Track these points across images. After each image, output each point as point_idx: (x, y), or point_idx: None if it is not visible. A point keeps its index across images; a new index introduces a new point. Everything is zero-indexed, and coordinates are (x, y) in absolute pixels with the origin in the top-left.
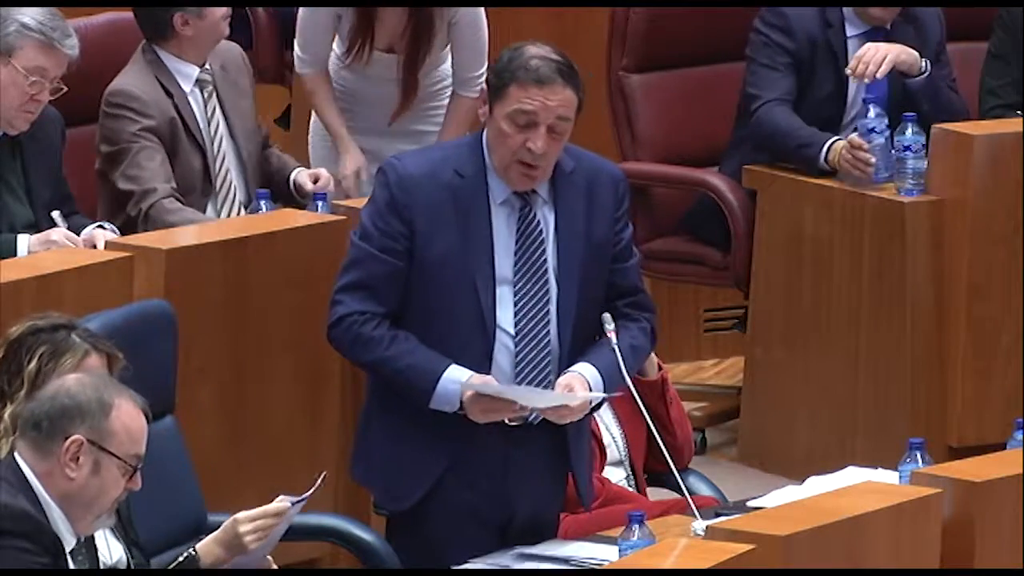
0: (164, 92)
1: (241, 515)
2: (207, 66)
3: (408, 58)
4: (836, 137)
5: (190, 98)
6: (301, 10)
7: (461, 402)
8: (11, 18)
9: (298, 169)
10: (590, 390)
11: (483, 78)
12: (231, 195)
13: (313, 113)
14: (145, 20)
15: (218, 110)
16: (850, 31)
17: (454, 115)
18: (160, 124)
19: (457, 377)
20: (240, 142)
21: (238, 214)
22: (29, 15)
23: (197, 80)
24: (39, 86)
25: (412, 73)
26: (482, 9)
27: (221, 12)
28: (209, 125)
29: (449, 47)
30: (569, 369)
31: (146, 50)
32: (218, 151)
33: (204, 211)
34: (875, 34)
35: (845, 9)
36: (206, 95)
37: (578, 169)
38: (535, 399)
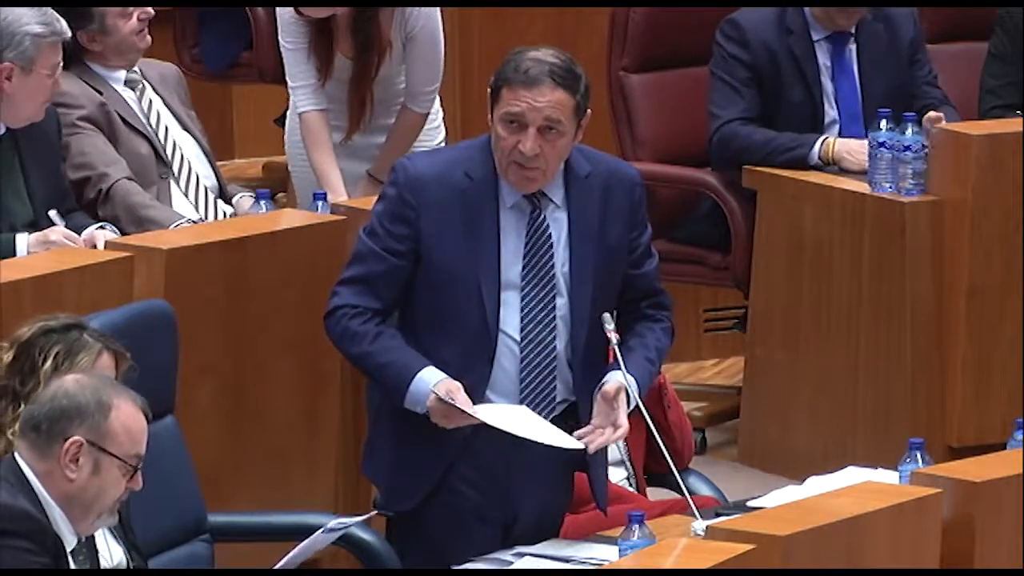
0: (92, 90)
1: None
2: (136, 70)
3: (356, 74)
4: (825, 136)
5: (121, 94)
6: (285, 55)
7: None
8: (19, 32)
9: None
10: (628, 398)
11: (434, 94)
12: (194, 179)
13: (289, 129)
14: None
15: (157, 102)
16: (815, 35)
17: (399, 128)
18: (92, 112)
19: (429, 379)
20: (196, 136)
21: (205, 198)
22: (32, 22)
23: (126, 81)
24: (53, 78)
25: (359, 91)
26: (440, 24)
27: (130, 26)
28: (148, 116)
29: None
30: (608, 379)
31: (73, 64)
32: (166, 139)
33: (169, 193)
34: (841, 37)
35: (807, 13)
36: (138, 92)
37: (594, 173)
38: (495, 418)
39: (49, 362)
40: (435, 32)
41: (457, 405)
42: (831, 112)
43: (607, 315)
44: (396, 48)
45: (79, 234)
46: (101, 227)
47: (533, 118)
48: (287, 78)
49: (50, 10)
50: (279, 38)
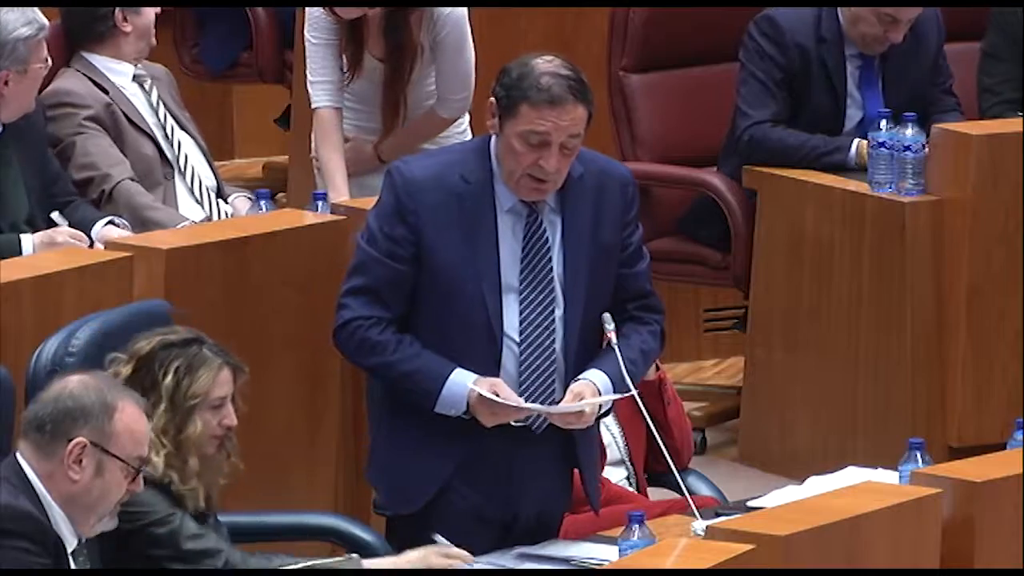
0: (98, 88)
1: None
2: (141, 67)
3: (389, 78)
4: (856, 138)
5: (127, 92)
6: (308, 48)
7: (468, 405)
8: (10, 40)
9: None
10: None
11: (464, 102)
12: (196, 178)
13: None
14: (81, 18)
15: (163, 104)
16: (848, 50)
17: (419, 121)
18: (99, 112)
19: (463, 380)
20: (194, 134)
21: (208, 198)
22: (20, 26)
23: (134, 76)
24: (45, 66)
25: (393, 94)
26: (467, 32)
27: (153, 13)
28: (156, 114)
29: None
30: (579, 377)
31: (75, 60)
32: (172, 137)
33: (175, 193)
34: (870, 56)
35: (842, 25)
36: (147, 87)
37: (587, 174)
38: (540, 410)
39: (170, 377)
40: (460, 40)
41: (504, 400)
42: (850, 124)
43: (607, 315)
44: (425, 51)
45: (87, 225)
46: (111, 221)
47: (558, 136)
48: (307, 72)
49: (32, 10)
50: (305, 32)
